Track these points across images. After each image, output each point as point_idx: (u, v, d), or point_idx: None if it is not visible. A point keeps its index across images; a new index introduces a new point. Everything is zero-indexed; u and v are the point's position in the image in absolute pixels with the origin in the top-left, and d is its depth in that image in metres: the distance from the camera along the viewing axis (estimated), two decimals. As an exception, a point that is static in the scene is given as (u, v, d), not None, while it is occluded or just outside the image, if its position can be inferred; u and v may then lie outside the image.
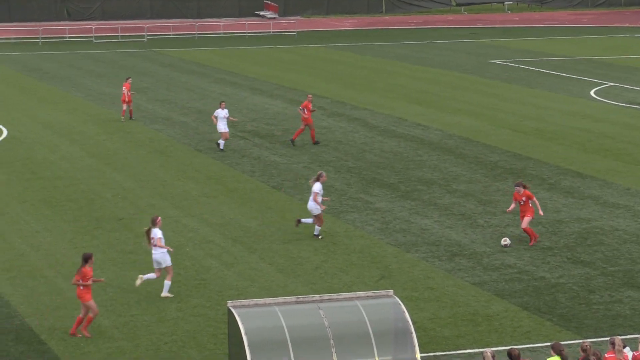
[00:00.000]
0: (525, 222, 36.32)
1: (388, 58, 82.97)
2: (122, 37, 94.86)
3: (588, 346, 25.20)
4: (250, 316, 23.55)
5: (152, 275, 31.98)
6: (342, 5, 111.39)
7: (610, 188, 43.98)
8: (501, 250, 35.95)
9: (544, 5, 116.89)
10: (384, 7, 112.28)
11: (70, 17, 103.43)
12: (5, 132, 54.77)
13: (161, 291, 31.55)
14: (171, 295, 31.77)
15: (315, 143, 51.56)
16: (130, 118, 58.22)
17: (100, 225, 39.02)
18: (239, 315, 23.46)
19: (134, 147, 51.84)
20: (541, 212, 37.01)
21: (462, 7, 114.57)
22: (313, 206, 36.97)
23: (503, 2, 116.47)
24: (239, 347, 23.30)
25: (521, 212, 36.49)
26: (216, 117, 50.29)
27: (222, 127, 50.28)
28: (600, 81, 71.37)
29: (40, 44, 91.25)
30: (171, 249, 31.92)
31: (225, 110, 50.41)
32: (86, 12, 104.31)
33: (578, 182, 44.99)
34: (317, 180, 37.04)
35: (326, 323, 23.46)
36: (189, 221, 39.37)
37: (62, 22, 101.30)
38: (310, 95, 53.41)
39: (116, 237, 37.63)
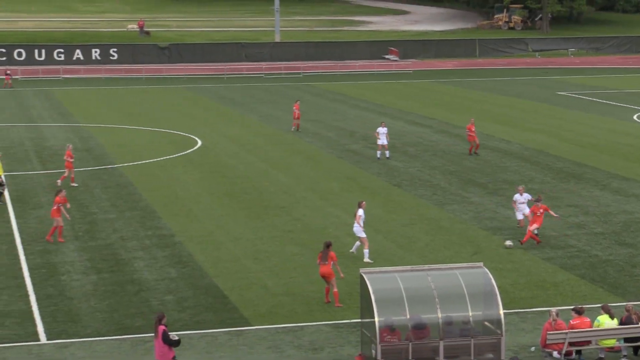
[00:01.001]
0: (534, 227, 34.19)
1: (480, 90, 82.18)
2: (285, 73, 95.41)
3: (631, 307, 24.76)
4: (376, 280, 23.49)
5: (358, 244, 32.60)
6: (446, 50, 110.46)
7: (648, 189, 43.07)
8: (565, 234, 35.37)
9: (598, 51, 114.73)
10: (477, 52, 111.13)
11: (247, 59, 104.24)
12: (199, 143, 55.43)
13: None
14: (371, 261, 31.74)
15: (476, 154, 50.67)
16: (297, 130, 58.90)
17: (267, 212, 39.26)
18: (368, 280, 23.42)
19: (292, 154, 52.07)
20: (556, 215, 35.25)
21: (537, 53, 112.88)
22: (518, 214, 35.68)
23: (567, 49, 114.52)
24: (368, 302, 23.27)
25: (534, 220, 34.18)
26: (378, 133, 50.16)
27: (381, 140, 50.09)
28: (641, 108, 69.94)
29: (225, 78, 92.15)
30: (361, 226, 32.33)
31: (385, 129, 50.28)
32: (259, 56, 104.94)
33: (623, 183, 44.08)
34: (518, 192, 35.80)
35: (433, 286, 23.31)
36: (332, 209, 39.43)
37: (241, 63, 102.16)
38: (472, 119, 53.14)
39: (279, 220, 37.83)
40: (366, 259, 31.94)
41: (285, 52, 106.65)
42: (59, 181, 43.57)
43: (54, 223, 34.75)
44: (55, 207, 34.72)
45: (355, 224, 32.25)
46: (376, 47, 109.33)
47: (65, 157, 43.90)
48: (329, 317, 27.30)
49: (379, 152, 50.25)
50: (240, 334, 26.21)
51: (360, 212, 32.30)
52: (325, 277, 27.95)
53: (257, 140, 56.37)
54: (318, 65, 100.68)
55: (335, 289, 28.06)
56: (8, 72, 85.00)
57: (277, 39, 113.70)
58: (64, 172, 44.14)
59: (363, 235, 32.24)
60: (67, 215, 35.38)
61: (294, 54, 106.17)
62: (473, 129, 51.16)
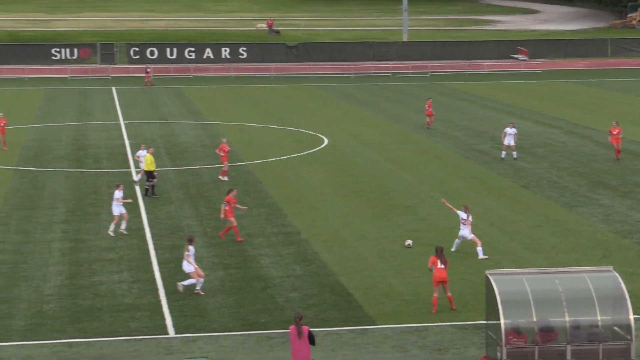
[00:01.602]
0: None
1: (612, 90, 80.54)
2: (412, 73, 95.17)
3: None
4: (502, 282, 23.26)
5: (457, 242, 32.97)
6: (577, 50, 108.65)
7: None
8: (698, 239, 34.38)
9: None
10: (609, 52, 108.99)
11: (375, 58, 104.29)
12: (326, 141, 55.72)
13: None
14: (486, 257, 32.00)
15: (617, 160, 49.21)
16: (428, 127, 59.26)
17: (392, 211, 39.24)
18: (494, 281, 23.21)
19: (418, 154, 51.92)
20: None
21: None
22: None
23: None
24: (493, 304, 23.06)
25: None
26: (505, 133, 49.63)
27: (508, 141, 49.50)
28: None
29: (352, 77, 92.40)
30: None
31: (514, 129, 49.72)
32: (386, 55, 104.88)
33: None
34: None
35: (560, 289, 22.98)
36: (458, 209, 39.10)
37: (368, 62, 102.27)
38: (615, 122, 51.50)
39: (404, 219, 37.77)
40: (481, 256, 32.06)
41: (412, 51, 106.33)
42: (220, 177, 44.72)
43: (228, 223, 35.19)
44: (227, 207, 35.06)
45: (462, 227, 32.45)
46: (505, 47, 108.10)
47: (219, 151, 44.96)
48: (454, 317, 27.14)
49: (503, 153, 49.69)
50: (365, 332, 26.26)
51: (462, 214, 32.52)
52: (442, 282, 27.58)
53: (383, 139, 56.37)
54: (445, 65, 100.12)
55: (449, 293, 27.90)
56: (148, 69, 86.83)
57: (405, 38, 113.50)
58: (223, 165, 45.30)
59: (471, 235, 32.25)
60: (241, 207, 36.13)
61: (422, 53, 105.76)
62: (615, 132, 49.67)
